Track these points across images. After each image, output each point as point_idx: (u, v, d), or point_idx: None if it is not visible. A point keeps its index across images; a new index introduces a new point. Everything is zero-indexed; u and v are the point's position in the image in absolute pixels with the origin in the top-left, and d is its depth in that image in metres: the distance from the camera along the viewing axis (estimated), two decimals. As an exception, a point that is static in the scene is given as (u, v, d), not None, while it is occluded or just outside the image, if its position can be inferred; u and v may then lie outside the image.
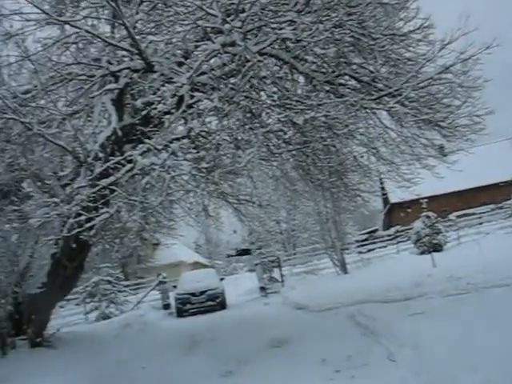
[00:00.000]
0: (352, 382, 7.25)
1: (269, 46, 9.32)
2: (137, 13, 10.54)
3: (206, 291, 21.62)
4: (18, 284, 12.13)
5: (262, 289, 25.14)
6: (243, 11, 8.63)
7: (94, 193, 9.22)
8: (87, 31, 9.83)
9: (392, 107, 10.18)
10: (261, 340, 11.22)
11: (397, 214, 39.67)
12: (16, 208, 11.92)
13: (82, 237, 9.32)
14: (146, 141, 8.88)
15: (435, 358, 6.78)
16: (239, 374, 8.75)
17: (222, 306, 21.86)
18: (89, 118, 11.57)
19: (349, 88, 10.94)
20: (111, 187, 9.34)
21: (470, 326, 7.85)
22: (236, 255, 26.92)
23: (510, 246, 18.32)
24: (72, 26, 9.73)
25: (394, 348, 8.37)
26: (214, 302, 21.57)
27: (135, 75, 10.52)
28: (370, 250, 30.56)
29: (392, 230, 33.64)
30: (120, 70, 10.50)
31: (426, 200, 23.90)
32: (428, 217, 25.66)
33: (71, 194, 9.49)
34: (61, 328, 13.48)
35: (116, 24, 10.62)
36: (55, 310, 14.29)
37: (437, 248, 24.41)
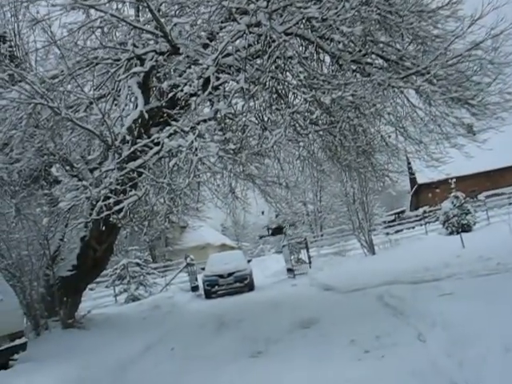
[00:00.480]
0: (381, 362, 7.22)
1: (294, 25, 9.25)
2: (161, -5, 10.55)
3: (233, 273, 21.79)
4: (49, 267, 12.36)
5: (290, 270, 25.23)
6: (269, -10, 8.56)
7: (121, 176, 9.29)
8: (112, 15, 9.86)
9: (420, 86, 10.01)
10: (289, 321, 11.27)
11: (424, 194, 39.24)
12: (46, 192, 12.12)
13: (110, 220, 9.41)
14: (173, 123, 8.91)
15: (465, 338, 6.70)
16: (268, 354, 8.79)
17: (250, 287, 22.03)
18: (115, 102, 11.65)
19: (376, 67, 10.80)
20: (139, 170, 9.42)
21: (501, 307, 7.76)
22: (269, 235, 26.87)
23: (541, 226, 18.06)
24: (97, 9, 9.77)
25: (423, 328, 8.31)
26: (242, 284, 21.74)
27: (161, 58, 10.55)
28: (397, 231, 30.41)
29: (420, 211, 33.31)
30: (145, 53, 10.53)
31: (454, 180, 23.60)
32: (457, 197, 25.35)
33: (99, 178, 9.57)
34: (91, 310, 13.72)
35: (141, 7, 10.66)
36: (86, 292, 14.53)
37: (466, 228, 24.15)
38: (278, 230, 26.91)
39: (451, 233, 24.52)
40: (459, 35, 10.21)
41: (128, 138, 9.77)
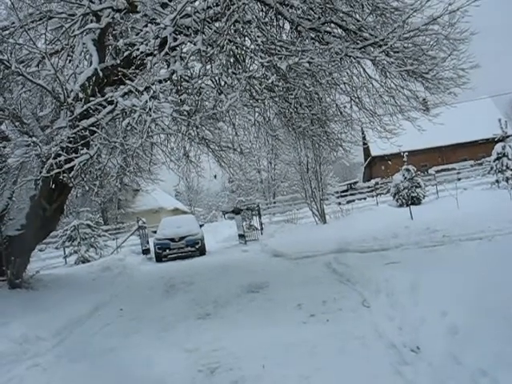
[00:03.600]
0: (325, 325, 7.41)
1: (255, -11, 9.16)
2: (117, -50, 10.26)
3: (185, 237, 21.80)
4: (-4, 225, 12.10)
5: (241, 236, 25.40)
6: (229, -48, 8.43)
7: (73, 134, 9.14)
8: (67, -33, 9.57)
9: (376, 57, 10.12)
10: (238, 285, 11.40)
11: (377, 166, 39.93)
12: (-6, 148, 11.79)
13: (61, 178, 9.26)
14: (128, 82, 8.76)
15: (408, 304, 6.94)
16: (216, 317, 8.90)
17: (202, 252, 22.10)
18: (69, 58, 11.37)
19: (334, 36, 10.83)
20: (91, 128, 9.26)
21: (442, 276, 8.03)
22: (230, 212, 26.85)
23: (486, 202, 18.67)
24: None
25: (368, 294, 8.56)
26: (194, 248, 21.80)
27: (117, 15, 10.31)
28: (349, 202, 30.85)
29: (372, 182, 33.89)
30: (102, 10, 10.25)
31: (406, 153, 24.02)
32: (408, 170, 25.86)
33: (51, 135, 9.39)
34: (40, 270, 13.53)
35: (97, -39, 10.34)
36: (34, 253, 14.30)
37: (415, 201, 24.74)
38: (238, 210, 26.96)
39: (401, 205, 25.07)
40: (417, 9, 10.27)
41: (81, 95, 9.58)
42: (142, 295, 12.34)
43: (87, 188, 11.18)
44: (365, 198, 32.26)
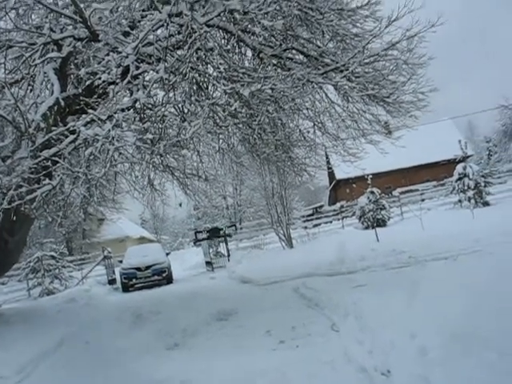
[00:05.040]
0: (295, 351, 7.38)
1: (216, 17, 9.20)
2: (82, -21, 10.25)
3: (151, 266, 21.58)
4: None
5: (208, 263, 25.24)
6: (191, -19, 8.48)
7: (35, 164, 8.98)
8: (28, -4, 9.51)
9: (338, 82, 10.24)
10: (207, 313, 11.28)
11: (342, 189, 40.34)
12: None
13: (23, 210, 9.08)
14: (90, 111, 8.68)
15: (377, 327, 6.95)
16: (185, 347, 8.78)
17: (169, 280, 21.89)
18: (30, 88, 11.23)
19: (296, 62, 10.94)
20: (54, 158, 9.13)
21: (411, 297, 8.09)
22: (203, 239, 26.18)
23: (450, 222, 18.97)
24: (12, -10, 9.37)
25: (337, 318, 8.56)
26: (160, 277, 21.57)
27: (79, 44, 10.25)
28: (315, 225, 30.98)
29: (337, 206, 34.15)
30: (63, 39, 10.19)
31: (370, 176, 24.31)
32: (372, 192, 26.17)
33: (11, 166, 9.22)
34: (2, 304, 13.20)
35: (59, -10, 10.31)
36: (-4, 286, 13.97)
37: (380, 223, 25.00)
38: (214, 232, 26.62)
39: (367, 227, 25.30)
40: (377, 35, 10.49)
41: (43, 125, 9.44)
42: (109, 326, 12.11)
43: (50, 219, 10.98)
44: (331, 222, 32.42)
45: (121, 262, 23.30)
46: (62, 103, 9.96)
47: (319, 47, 11.13)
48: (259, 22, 9.16)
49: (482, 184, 25.03)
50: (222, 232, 26.61)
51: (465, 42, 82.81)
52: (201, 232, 27.28)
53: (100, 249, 27.93)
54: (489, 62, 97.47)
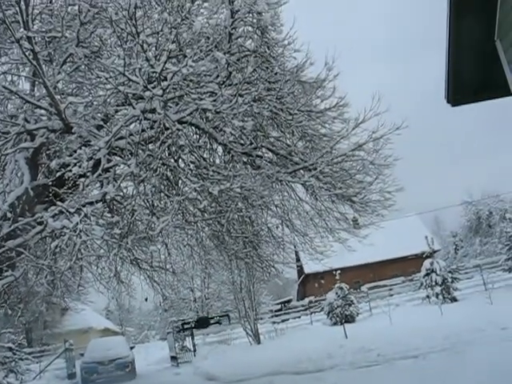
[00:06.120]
0: None
1: (189, 115, 9.44)
2: (59, 73, 10.48)
3: (114, 360, 20.92)
4: None
5: (174, 358, 24.56)
6: (165, 79, 8.74)
7: (-1, 254, 8.82)
8: (4, 87, 9.66)
9: (307, 181, 10.44)
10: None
11: (311, 284, 40.17)
12: None
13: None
14: (59, 203, 8.65)
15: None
16: None
17: (132, 375, 21.23)
18: (0, 176, 11.20)
19: (265, 160, 11.17)
20: (18, 249, 8.98)
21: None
22: (192, 328, 25.29)
23: (418, 318, 18.97)
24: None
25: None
26: (123, 372, 20.89)
27: (52, 135, 10.35)
28: (283, 320, 30.63)
29: (306, 301, 33.93)
30: (37, 129, 10.29)
31: (339, 271, 24.40)
32: (341, 288, 26.16)
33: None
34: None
35: (36, 82, 10.51)
36: None
37: (349, 319, 24.86)
38: (202, 322, 25.99)
39: (335, 323, 25.09)
40: (344, 136, 10.85)
41: (9, 214, 9.36)
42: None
43: (10, 311, 10.68)
44: (299, 317, 32.09)
45: (82, 354, 22.53)
46: (31, 193, 9.92)
47: (289, 146, 11.41)
48: (230, 122, 9.41)
49: (450, 280, 25.29)
50: (212, 322, 25.97)
51: (429, 141, 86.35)
52: (188, 323, 26.60)
53: (62, 340, 27.05)
54: (454, 158, 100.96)
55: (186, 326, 26.31)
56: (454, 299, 24.80)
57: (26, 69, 11.02)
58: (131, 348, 23.51)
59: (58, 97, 9.83)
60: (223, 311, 26.38)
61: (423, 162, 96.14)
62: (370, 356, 14.10)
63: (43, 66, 9.17)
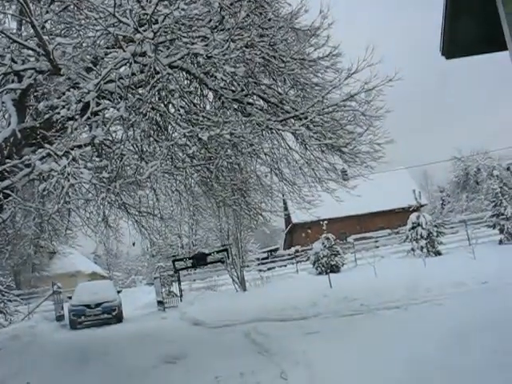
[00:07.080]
0: (243, 399, 7.27)
1: (180, 59, 9.28)
2: (47, 12, 10.22)
3: (101, 303, 21.15)
4: None
5: (160, 303, 24.85)
6: (156, 22, 8.56)
7: (-14, 196, 8.78)
8: (-11, 25, 9.44)
9: (297, 130, 10.38)
10: (156, 355, 11.05)
11: (298, 233, 40.46)
12: None
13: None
14: (47, 146, 8.56)
15: (327, 376, 6.92)
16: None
17: (119, 319, 21.45)
18: (-14, 118, 11.06)
19: (256, 108, 11.07)
20: (6, 191, 8.94)
21: (362, 346, 8.10)
22: (188, 267, 25.02)
23: (402, 270, 19.23)
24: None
25: (286, 366, 8.46)
26: (110, 315, 21.13)
27: (40, 76, 10.15)
28: (270, 269, 30.99)
29: (292, 250, 34.25)
30: (24, 70, 10.09)
31: (326, 222, 24.55)
32: (327, 238, 26.40)
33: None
34: None
35: (23, 21, 10.25)
36: None
37: (334, 269, 25.18)
38: (200, 259, 25.55)
39: (321, 273, 25.44)
40: (336, 86, 10.75)
41: (-3, 156, 9.28)
42: (53, 367, 11.67)
43: (-2, 252, 10.71)
44: (285, 266, 32.46)
45: (70, 297, 22.74)
46: (19, 135, 9.80)
47: (280, 94, 11.31)
48: (222, 67, 9.27)
49: (435, 234, 25.58)
50: (210, 258, 25.83)
51: (423, 95, 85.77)
52: (182, 260, 26.48)
53: (50, 283, 27.24)
54: (446, 114, 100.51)
55: (178, 265, 25.78)
56: (439, 253, 25.15)
57: (13, 6, 10.71)
58: (118, 292, 23.71)
59: (46, 37, 9.60)
60: (223, 245, 25.78)
61: (417, 115, 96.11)
62: (353, 305, 14.34)
63: (30, 4, 8.90)
